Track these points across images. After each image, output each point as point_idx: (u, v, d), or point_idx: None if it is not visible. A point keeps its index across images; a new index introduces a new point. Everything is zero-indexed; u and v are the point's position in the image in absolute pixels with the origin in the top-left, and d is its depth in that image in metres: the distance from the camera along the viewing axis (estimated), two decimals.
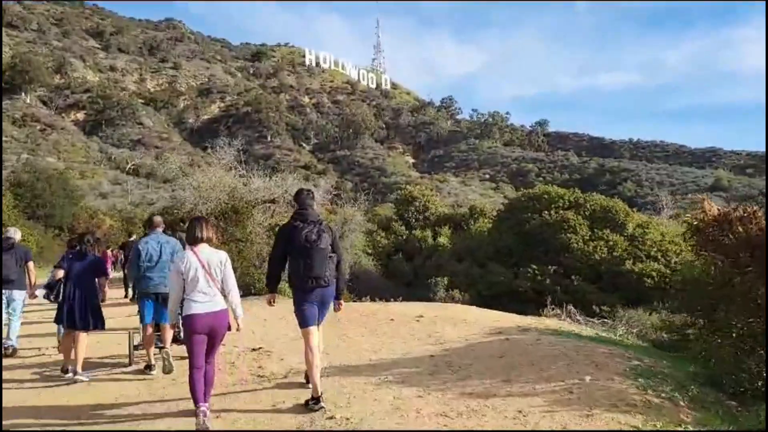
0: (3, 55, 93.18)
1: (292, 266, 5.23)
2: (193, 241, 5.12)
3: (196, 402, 4.81)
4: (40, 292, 7.66)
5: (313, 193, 5.81)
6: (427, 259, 23.52)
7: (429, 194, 29.81)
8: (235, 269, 14.18)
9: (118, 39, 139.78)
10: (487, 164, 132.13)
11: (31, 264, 8.39)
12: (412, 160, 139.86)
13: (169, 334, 6.85)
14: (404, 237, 26.15)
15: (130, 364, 7.14)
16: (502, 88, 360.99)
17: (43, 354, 8.23)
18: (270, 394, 5.77)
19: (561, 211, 19.96)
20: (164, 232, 7.70)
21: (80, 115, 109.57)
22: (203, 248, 5.11)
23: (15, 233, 8.61)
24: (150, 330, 6.96)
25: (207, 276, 5.00)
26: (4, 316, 8.03)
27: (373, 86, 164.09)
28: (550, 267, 18.79)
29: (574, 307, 13.27)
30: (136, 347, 7.28)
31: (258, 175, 16.50)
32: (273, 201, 16.20)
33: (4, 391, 6.06)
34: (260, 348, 7.80)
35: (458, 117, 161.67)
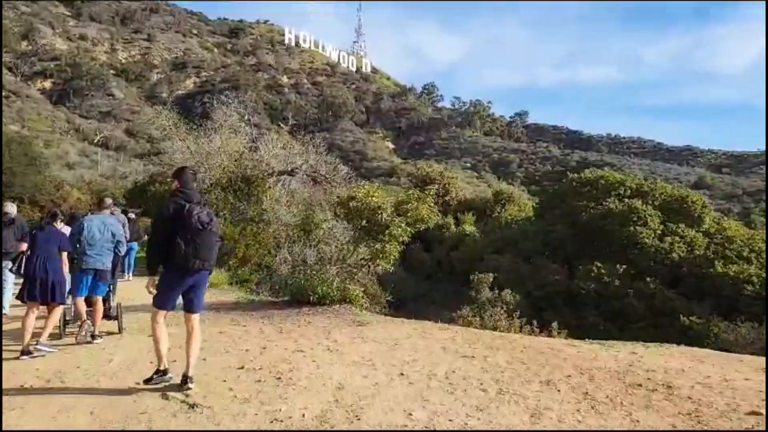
0: None
1: (180, 247, 5.03)
2: None
3: None
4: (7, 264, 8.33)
5: (195, 173, 5.84)
6: (453, 249, 20.48)
7: (449, 176, 26.57)
8: (247, 258, 10.79)
9: (90, 7, 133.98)
10: (469, 153, 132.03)
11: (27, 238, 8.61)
12: (392, 146, 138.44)
13: (99, 308, 7.40)
14: None
15: (60, 337, 7.37)
16: (483, 77, 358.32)
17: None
18: None
19: (626, 200, 16.98)
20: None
21: (47, 84, 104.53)
22: None
23: (12, 208, 8.91)
24: (81, 303, 7.29)
25: None
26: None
27: (353, 69, 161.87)
28: (618, 266, 15.83)
29: (654, 315, 10.52)
30: (66, 322, 7.62)
31: (272, 140, 13.35)
32: (291, 173, 13.14)
33: None
34: None
35: (439, 104, 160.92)
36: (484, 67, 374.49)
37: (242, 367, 5.73)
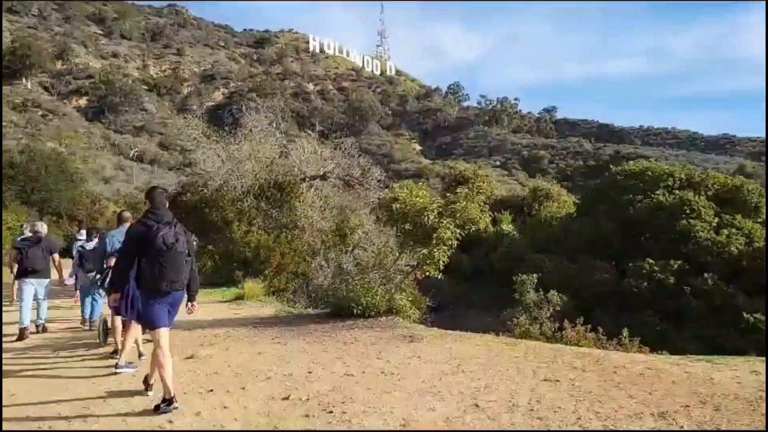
0: (3, 40, 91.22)
1: (147, 269, 5.01)
2: None
3: None
4: (70, 281, 9.28)
5: (166, 192, 5.63)
6: (491, 250, 19.75)
7: (482, 174, 25.80)
8: (283, 267, 10.21)
9: (121, 25, 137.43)
10: (497, 151, 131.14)
11: (56, 255, 9.18)
12: (419, 147, 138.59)
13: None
14: None
15: (102, 345, 7.52)
16: (508, 74, 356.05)
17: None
18: None
19: (677, 192, 16.04)
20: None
21: (82, 101, 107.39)
22: None
23: (42, 227, 9.46)
24: (115, 317, 7.11)
25: None
26: (26, 303, 8.85)
27: (378, 73, 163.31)
28: (672, 262, 14.90)
29: (714, 314, 9.71)
30: (107, 330, 7.63)
31: (302, 145, 12.96)
32: (323, 177, 12.76)
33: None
34: None
35: (465, 104, 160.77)
36: (508, 64, 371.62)
37: (287, 398, 5.02)
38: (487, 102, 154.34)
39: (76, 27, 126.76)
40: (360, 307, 8.19)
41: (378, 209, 8.80)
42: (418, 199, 7.84)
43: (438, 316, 13.77)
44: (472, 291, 17.72)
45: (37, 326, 9.11)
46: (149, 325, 5.21)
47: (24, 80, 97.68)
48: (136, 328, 6.79)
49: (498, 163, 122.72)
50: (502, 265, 18.16)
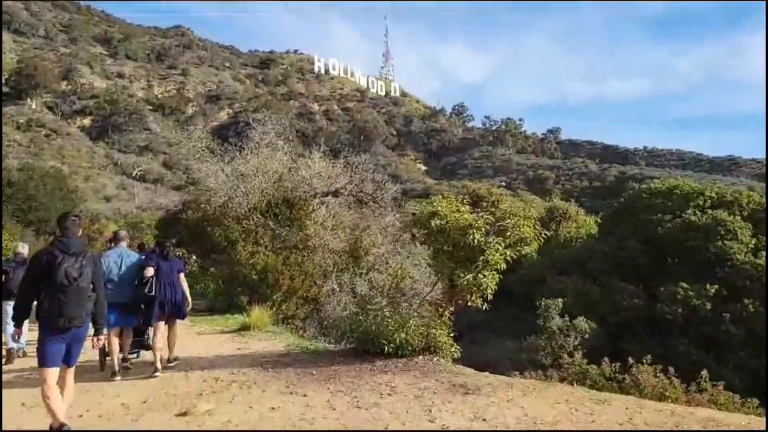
0: (10, 61, 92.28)
1: (44, 302, 4.73)
2: None
3: None
4: None
5: (80, 219, 5.36)
6: (509, 272, 18.74)
7: (497, 193, 24.93)
8: (292, 291, 9.10)
9: (126, 46, 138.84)
10: (502, 172, 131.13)
11: None
12: (424, 167, 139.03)
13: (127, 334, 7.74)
14: None
15: (102, 370, 7.33)
16: (511, 95, 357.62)
17: None
18: None
19: (709, 211, 15.12)
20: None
21: (87, 121, 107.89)
22: None
23: (24, 248, 9.54)
24: (113, 337, 7.11)
25: None
26: (11, 325, 8.37)
27: (383, 93, 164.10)
28: (708, 286, 13.88)
29: (756, 342, 8.65)
30: (106, 354, 7.41)
31: (313, 161, 12.14)
32: (335, 193, 11.94)
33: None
34: None
35: (470, 124, 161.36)
36: (511, 85, 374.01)
37: None
38: (492, 122, 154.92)
39: (81, 48, 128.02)
40: (392, 345, 6.96)
41: (414, 226, 7.67)
42: (461, 214, 6.75)
43: (458, 344, 12.81)
44: (491, 316, 16.74)
45: (10, 351, 8.76)
46: (39, 361, 4.91)
47: (29, 100, 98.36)
48: (161, 329, 7.41)
49: (503, 183, 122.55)
50: (521, 289, 17.18)
